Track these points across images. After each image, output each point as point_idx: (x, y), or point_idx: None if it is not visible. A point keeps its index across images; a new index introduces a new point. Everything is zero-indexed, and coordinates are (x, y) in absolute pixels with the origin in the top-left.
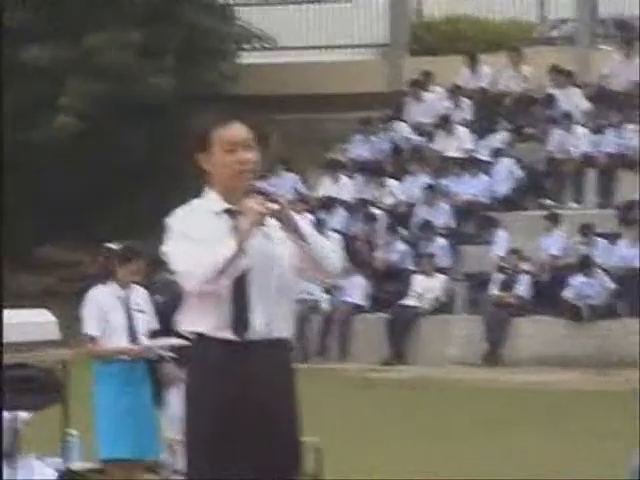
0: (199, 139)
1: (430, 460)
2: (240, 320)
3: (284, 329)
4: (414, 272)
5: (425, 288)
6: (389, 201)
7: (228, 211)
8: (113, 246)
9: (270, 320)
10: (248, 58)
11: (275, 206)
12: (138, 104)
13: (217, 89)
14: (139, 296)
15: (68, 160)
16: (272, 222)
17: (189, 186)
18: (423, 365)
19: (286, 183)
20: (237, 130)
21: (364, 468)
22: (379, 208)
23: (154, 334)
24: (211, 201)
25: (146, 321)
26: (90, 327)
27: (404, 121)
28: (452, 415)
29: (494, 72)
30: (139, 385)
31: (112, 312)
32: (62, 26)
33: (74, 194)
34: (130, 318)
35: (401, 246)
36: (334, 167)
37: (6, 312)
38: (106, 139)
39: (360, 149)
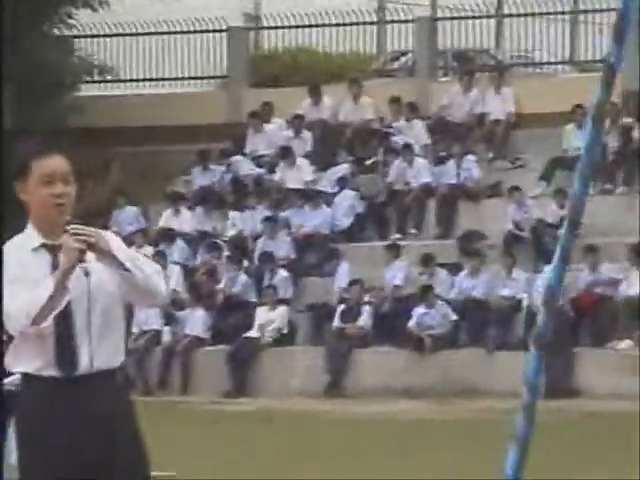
0: (19, 167)
1: None
2: (65, 357)
3: (113, 360)
4: (256, 304)
5: (267, 320)
6: (230, 233)
7: (46, 246)
8: None
9: (97, 353)
10: (88, 90)
11: (91, 239)
12: None
13: (57, 122)
14: None
15: None
16: (91, 255)
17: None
18: (266, 397)
19: (128, 216)
20: (56, 162)
21: None
22: (220, 240)
23: None
24: (29, 237)
25: None
26: None
27: (244, 153)
28: (301, 446)
29: (335, 103)
30: None
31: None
32: None
33: None
34: None
35: (243, 278)
36: (174, 199)
37: None
38: None
39: (200, 181)
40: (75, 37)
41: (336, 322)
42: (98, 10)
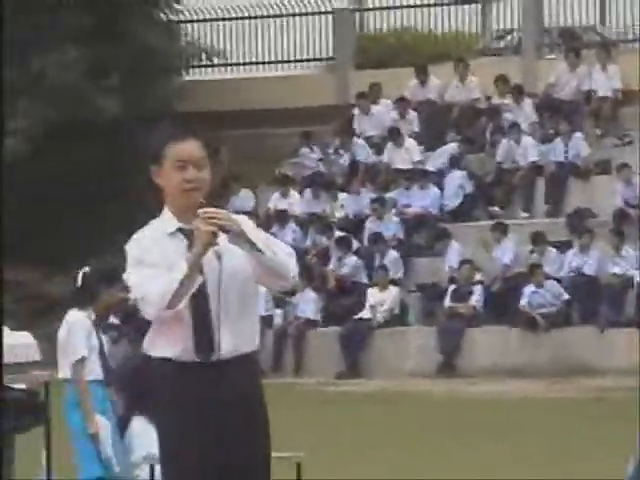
0: (153, 152)
1: (402, 471)
2: (203, 342)
3: (249, 343)
4: (367, 285)
5: (379, 300)
6: (339, 215)
7: (181, 230)
8: (87, 269)
9: (235, 337)
10: (196, 75)
11: (223, 222)
12: (87, 125)
13: (165, 106)
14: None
15: (19, 180)
16: (223, 238)
17: (142, 206)
18: (379, 377)
19: (243, 200)
20: (190, 146)
21: None
22: (330, 222)
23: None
24: (166, 221)
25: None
26: (81, 350)
27: (356, 135)
28: (414, 426)
29: (441, 83)
30: (108, 408)
31: (90, 336)
32: (8, 48)
33: (23, 215)
34: (101, 343)
35: (353, 259)
36: (283, 182)
37: None
38: (55, 160)
39: (309, 163)
40: (182, 22)
41: (447, 302)
42: None
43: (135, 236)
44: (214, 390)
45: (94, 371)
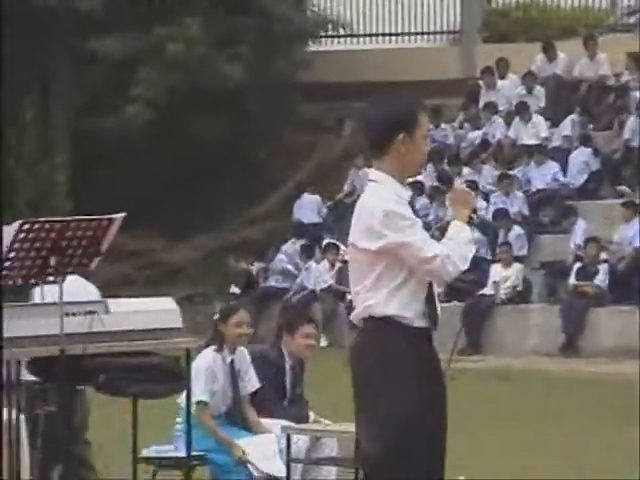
0: (405, 119)
1: (517, 447)
2: (432, 311)
3: None
4: (490, 261)
5: (502, 277)
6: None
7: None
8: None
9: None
10: (321, 45)
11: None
12: (210, 93)
13: (290, 77)
14: (243, 358)
15: (139, 149)
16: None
17: (261, 179)
18: (501, 355)
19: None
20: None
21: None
22: None
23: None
24: (398, 188)
25: (248, 384)
26: (201, 395)
27: (482, 109)
28: (537, 404)
29: (569, 59)
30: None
31: (219, 377)
32: (132, 17)
33: (145, 183)
34: (235, 383)
35: (476, 235)
36: None
37: (133, 300)
38: (178, 128)
39: (435, 136)
40: None
41: (572, 280)
42: None
43: (382, 197)
44: (435, 358)
45: (218, 408)
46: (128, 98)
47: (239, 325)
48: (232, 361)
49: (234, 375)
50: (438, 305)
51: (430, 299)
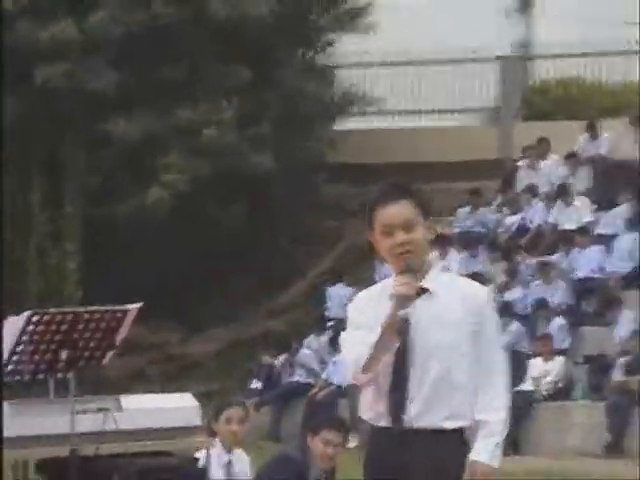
0: (367, 217)
1: None
2: (395, 409)
3: (450, 419)
4: (530, 355)
5: (542, 372)
6: (500, 279)
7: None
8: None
9: (426, 409)
10: (349, 123)
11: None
12: (237, 179)
13: (316, 158)
14: (239, 459)
15: (156, 236)
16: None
17: (287, 264)
18: (540, 455)
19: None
20: (394, 210)
21: None
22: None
23: None
24: (389, 283)
25: None
26: None
27: (521, 192)
28: None
29: (614, 139)
30: None
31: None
32: (150, 97)
33: (161, 271)
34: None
35: (515, 326)
36: (442, 241)
37: (148, 396)
38: (199, 214)
39: (469, 221)
40: (336, 68)
41: (617, 375)
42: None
43: (360, 294)
44: (399, 459)
45: None
46: (147, 183)
47: (229, 422)
48: (229, 462)
49: (230, 476)
50: (410, 399)
51: (395, 396)
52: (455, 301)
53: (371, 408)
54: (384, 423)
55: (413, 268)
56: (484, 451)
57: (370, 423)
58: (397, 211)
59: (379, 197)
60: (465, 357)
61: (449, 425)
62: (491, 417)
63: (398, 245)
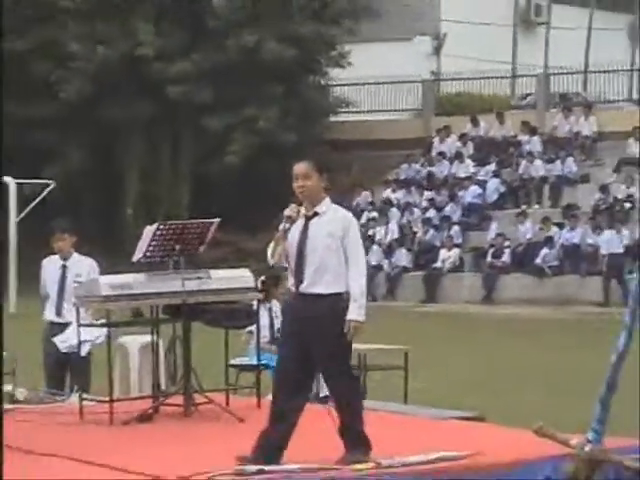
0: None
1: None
2: (297, 280)
3: (325, 287)
4: (440, 246)
5: (446, 256)
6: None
7: (305, 216)
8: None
9: (313, 281)
10: (339, 117)
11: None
12: (276, 148)
13: (321, 136)
14: (277, 306)
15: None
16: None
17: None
18: (446, 303)
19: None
20: (299, 166)
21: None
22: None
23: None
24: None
25: None
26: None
27: (436, 155)
28: (468, 332)
29: (487, 126)
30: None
31: (263, 319)
32: (228, 100)
33: (239, 200)
34: (272, 325)
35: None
36: (389, 184)
37: (225, 270)
38: (261, 172)
39: (409, 172)
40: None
41: (488, 258)
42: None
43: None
44: (298, 310)
45: (262, 339)
46: (226, 153)
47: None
48: (270, 308)
49: (272, 318)
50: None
51: (296, 274)
52: (333, 220)
53: (289, 278)
54: (293, 289)
55: (299, 202)
56: (352, 312)
57: (290, 288)
58: (300, 166)
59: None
60: (336, 251)
61: (325, 291)
62: (354, 287)
63: (297, 187)
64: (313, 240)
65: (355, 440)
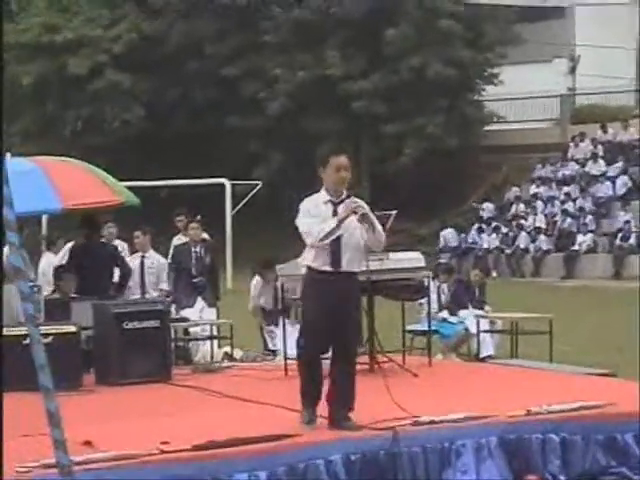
0: (322, 159)
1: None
2: (334, 261)
3: (357, 267)
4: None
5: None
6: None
7: (331, 202)
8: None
9: (348, 263)
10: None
11: (360, 209)
12: (445, 152)
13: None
14: None
15: None
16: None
17: None
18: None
19: (512, 192)
20: (343, 158)
21: None
22: None
23: None
24: (322, 195)
25: None
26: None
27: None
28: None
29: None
30: None
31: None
32: (401, 112)
33: (407, 194)
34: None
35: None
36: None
37: (401, 253)
38: (429, 171)
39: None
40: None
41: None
42: None
43: (306, 200)
44: (335, 286)
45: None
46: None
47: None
48: (438, 286)
49: (439, 294)
50: (342, 256)
51: (334, 254)
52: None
53: (315, 260)
54: (327, 268)
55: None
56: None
57: (314, 268)
58: (344, 159)
59: (334, 150)
60: (362, 237)
61: (358, 269)
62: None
63: (341, 177)
64: (348, 223)
65: (346, 400)
